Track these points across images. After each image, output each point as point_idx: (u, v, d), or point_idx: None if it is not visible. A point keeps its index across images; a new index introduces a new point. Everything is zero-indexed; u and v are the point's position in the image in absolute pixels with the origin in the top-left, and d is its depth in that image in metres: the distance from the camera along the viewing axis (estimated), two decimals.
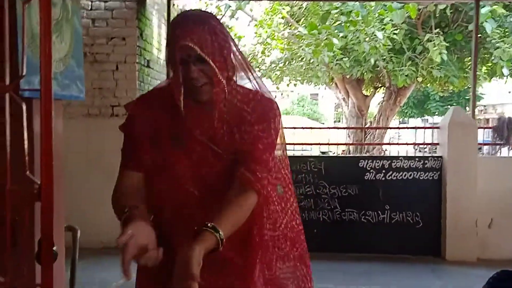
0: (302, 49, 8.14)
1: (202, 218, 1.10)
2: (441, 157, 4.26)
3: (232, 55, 1.20)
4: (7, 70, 1.05)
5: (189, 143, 1.21)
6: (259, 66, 10.08)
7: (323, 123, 23.85)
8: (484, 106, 21.77)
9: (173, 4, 5.59)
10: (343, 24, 7.18)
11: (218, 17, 7.69)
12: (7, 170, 1.05)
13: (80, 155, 4.24)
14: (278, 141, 1.27)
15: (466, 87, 9.58)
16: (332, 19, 7.48)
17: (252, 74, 1.26)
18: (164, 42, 5.22)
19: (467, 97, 14.56)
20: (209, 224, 1.07)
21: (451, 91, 10.84)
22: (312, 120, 18.74)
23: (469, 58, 7.71)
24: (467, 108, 6.54)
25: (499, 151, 5.15)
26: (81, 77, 2.22)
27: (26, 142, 1.23)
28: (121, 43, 4.49)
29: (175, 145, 1.21)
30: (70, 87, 2.12)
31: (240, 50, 1.26)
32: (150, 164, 1.23)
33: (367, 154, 6.82)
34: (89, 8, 4.51)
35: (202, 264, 1.03)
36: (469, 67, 7.92)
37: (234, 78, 1.23)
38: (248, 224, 1.21)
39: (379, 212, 4.20)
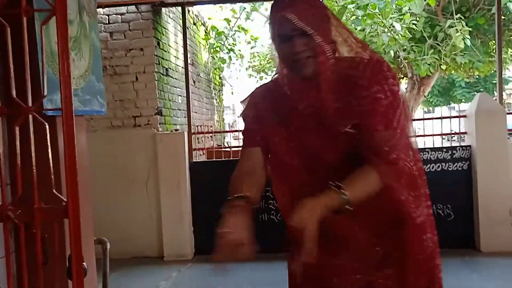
0: None
1: (309, 190, 1.14)
2: (469, 146, 4.15)
3: (333, 28, 1.21)
4: (29, 91, 1.07)
5: (292, 118, 1.24)
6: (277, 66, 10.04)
7: None
8: None
9: (188, 11, 5.64)
10: (360, 18, 7.08)
11: (233, 20, 7.64)
12: (34, 189, 1.07)
13: (106, 166, 4.32)
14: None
15: (492, 72, 9.31)
16: (348, 13, 7.40)
17: (361, 47, 1.24)
18: (181, 50, 5.27)
19: (494, 82, 14.14)
20: (333, 184, 1.11)
21: (477, 76, 10.56)
22: None
23: (494, 41, 7.48)
24: (495, 93, 6.34)
25: None
26: (101, 91, 2.26)
27: (51, 161, 1.25)
28: (139, 54, 4.55)
29: (279, 123, 1.27)
30: (91, 102, 2.16)
31: (340, 25, 1.24)
32: (261, 143, 1.30)
33: None
34: (107, 22, 4.59)
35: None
36: (494, 51, 7.69)
37: (339, 51, 1.23)
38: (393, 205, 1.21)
39: None
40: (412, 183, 1.23)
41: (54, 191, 1.20)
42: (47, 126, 1.13)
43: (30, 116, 1.08)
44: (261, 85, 1.44)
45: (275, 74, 1.35)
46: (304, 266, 1.20)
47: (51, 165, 1.20)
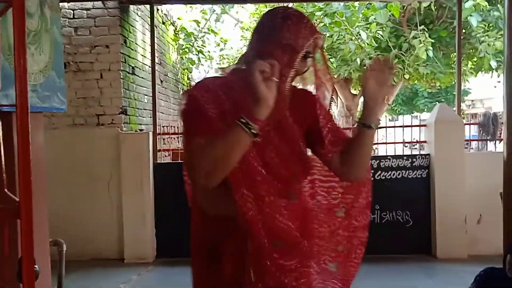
0: None
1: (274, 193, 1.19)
2: (428, 155, 4.28)
3: None
4: None
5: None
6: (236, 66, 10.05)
7: None
8: (472, 100, 21.98)
9: (157, 10, 5.57)
10: (327, 25, 7.20)
11: (203, 21, 7.56)
12: None
13: (66, 165, 4.19)
14: None
15: (453, 83, 9.66)
16: (316, 20, 7.50)
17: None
18: (148, 48, 5.20)
19: (454, 93, 14.68)
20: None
21: (439, 87, 10.93)
22: None
23: (455, 54, 7.77)
24: (454, 104, 6.60)
25: (486, 146, 5.19)
26: (62, 88, 2.19)
27: (3, 159, 1.20)
28: (105, 51, 4.45)
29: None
30: (51, 98, 2.09)
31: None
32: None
33: None
34: (71, 16, 4.47)
35: None
36: (455, 63, 7.98)
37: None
38: None
39: None
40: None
41: (6, 190, 1.15)
42: (0, 122, 1.08)
43: None
44: (219, 77, 1.30)
45: (232, 71, 1.30)
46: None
47: (3, 163, 1.15)
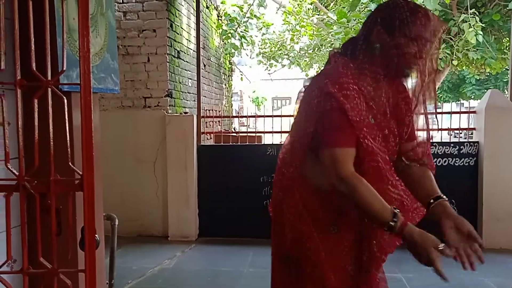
0: (332, 35, 8.02)
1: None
2: (477, 142, 4.14)
3: None
4: (48, 65, 1.09)
5: (384, 121, 1.36)
6: (288, 53, 9.99)
7: None
8: None
9: None
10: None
11: (245, 6, 7.58)
12: (51, 161, 1.10)
13: (115, 145, 4.36)
14: None
15: (504, 69, 9.21)
16: (362, 5, 7.33)
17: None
18: (193, 33, 5.26)
19: (505, 80, 14.00)
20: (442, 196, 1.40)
21: (488, 73, 10.45)
22: None
23: (507, 38, 7.40)
24: (506, 92, 6.27)
25: None
26: (115, 70, 2.27)
27: (68, 134, 1.28)
28: (152, 35, 4.55)
29: (375, 125, 1.34)
30: (105, 80, 2.18)
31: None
32: (364, 144, 1.31)
33: None
34: (121, 1, 4.59)
35: None
36: (507, 48, 7.61)
37: None
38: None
39: None
40: None
41: (70, 164, 1.22)
42: (65, 100, 1.15)
43: (49, 89, 1.10)
44: (346, 69, 1.34)
45: (346, 52, 1.39)
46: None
47: (68, 139, 1.22)
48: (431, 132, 1.42)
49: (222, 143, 4.69)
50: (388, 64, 1.31)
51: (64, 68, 1.18)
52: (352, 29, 7.21)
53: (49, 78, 1.05)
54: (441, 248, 1.16)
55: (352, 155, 1.29)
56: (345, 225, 1.37)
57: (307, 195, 1.38)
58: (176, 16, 4.83)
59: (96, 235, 1.34)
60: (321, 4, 8.93)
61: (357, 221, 1.37)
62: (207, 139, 5.06)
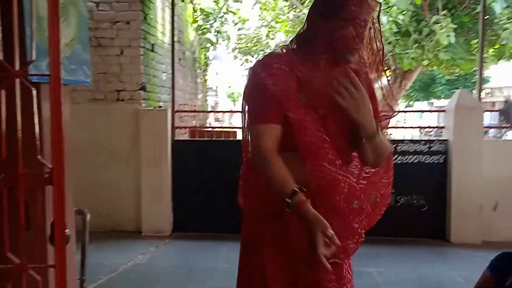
0: None
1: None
2: (446, 140, 4.25)
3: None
4: (16, 55, 1.05)
5: (320, 102, 1.31)
6: (264, 49, 10.00)
7: None
8: (491, 89, 21.56)
9: None
10: None
11: (221, 1, 7.53)
12: (18, 154, 1.06)
13: (86, 139, 4.27)
14: None
15: (472, 70, 9.49)
16: None
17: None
18: (167, 26, 5.20)
19: (473, 80, 14.42)
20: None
21: (458, 74, 10.74)
22: None
23: (476, 40, 7.61)
24: (474, 91, 6.50)
25: (505, 134, 5.13)
26: (87, 61, 2.21)
27: (37, 127, 1.24)
28: (126, 27, 4.47)
29: (306, 104, 1.30)
30: (76, 72, 2.12)
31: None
32: (293, 121, 1.28)
33: None
34: None
35: None
36: (476, 50, 7.83)
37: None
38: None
39: None
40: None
41: (39, 157, 1.19)
42: (34, 92, 1.11)
43: (17, 80, 1.06)
44: (279, 54, 1.36)
45: (291, 45, 1.37)
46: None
47: (37, 131, 1.19)
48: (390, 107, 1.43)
49: (197, 138, 4.66)
50: (328, 49, 1.30)
51: (33, 58, 1.15)
52: None
53: (17, 68, 1.02)
54: (330, 235, 1.15)
55: (273, 131, 1.27)
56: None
57: (256, 179, 1.37)
58: (150, 9, 4.75)
59: (67, 230, 1.31)
60: (297, 0, 8.97)
61: None
62: (182, 134, 5.02)
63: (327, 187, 1.28)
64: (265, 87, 1.27)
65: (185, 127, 4.78)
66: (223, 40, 8.45)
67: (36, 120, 1.25)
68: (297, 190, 1.21)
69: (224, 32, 8.17)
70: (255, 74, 1.32)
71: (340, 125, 1.33)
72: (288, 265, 1.35)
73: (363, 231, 1.39)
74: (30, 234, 1.26)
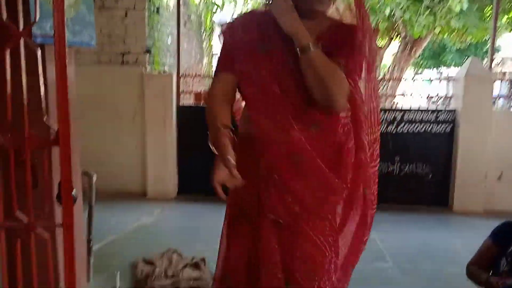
0: None
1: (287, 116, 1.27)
2: (454, 110, 4.21)
3: None
4: (20, 15, 1.04)
5: (276, 51, 1.30)
6: None
7: None
8: (502, 58, 21.13)
9: None
10: None
11: None
12: (24, 115, 1.07)
13: (91, 102, 4.26)
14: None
15: (484, 39, 9.27)
16: None
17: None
18: None
19: (484, 49, 14.13)
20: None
21: (469, 42, 10.51)
22: None
23: (490, 7, 7.40)
24: (485, 59, 6.35)
25: None
26: (91, 23, 2.19)
27: (42, 88, 1.24)
28: None
29: (265, 54, 1.30)
30: (81, 33, 2.10)
31: None
32: (240, 71, 1.31)
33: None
34: None
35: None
36: (489, 17, 7.63)
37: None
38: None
39: (388, 163, 4.23)
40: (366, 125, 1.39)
41: (45, 118, 1.19)
42: (38, 52, 1.10)
43: (21, 41, 1.05)
44: (250, 12, 1.43)
45: (268, 2, 1.36)
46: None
47: (43, 93, 1.19)
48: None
49: (202, 103, 4.65)
50: (296, 4, 1.28)
51: (37, 19, 1.13)
52: None
53: (21, 29, 1.00)
54: (227, 162, 1.17)
55: (222, 78, 1.33)
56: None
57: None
58: None
59: (74, 190, 1.33)
60: None
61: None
62: (187, 98, 5.00)
63: (263, 140, 1.30)
64: (223, 40, 1.35)
65: (190, 92, 4.75)
66: (230, 3, 8.26)
67: (41, 81, 1.24)
68: (220, 127, 1.23)
69: None
70: (221, 32, 1.38)
71: (297, 79, 1.28)
72: (239, 225, 1.41)
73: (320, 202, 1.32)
74: (37, 194, 1.29)
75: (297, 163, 1.29)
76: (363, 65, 1.32)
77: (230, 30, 1.35)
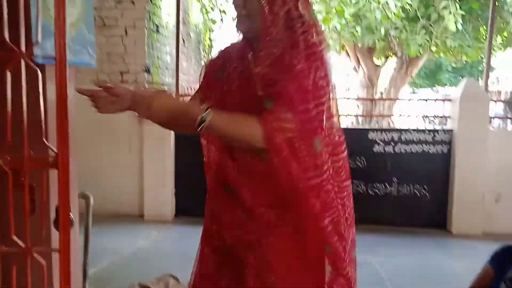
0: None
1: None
2: (451, 130, 4.22)
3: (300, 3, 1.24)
4: (22, 35, 1.03)
5: (228, 77, 1.35)
6: None
7: None
8: (497, 77, 21.37)
9: None
10: None
11: None
12: (24, 137, 1.05)
13: (90, 122, 4.22)
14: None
15: (479, 58, 9.39)
16: None
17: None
18: (173, 7, 5.12)
19: (479, 68, 14.30)
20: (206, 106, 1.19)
21: (464, 61, 10.64)
22: None
23: (485, 27, 7.51)
24: (480, 80, 6.41)
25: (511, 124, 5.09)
26: (92, 42, 2.18)
27: (42, 109, 1.22)
28: (130, 7, 4.41)
29: (221, 80, 1.36)
30: (81, 53, 2.09)
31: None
32: (202, 96, 1.41)
33: (376, 126, 6.77)
34: None
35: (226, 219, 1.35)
36: (484, 37, 7.73)
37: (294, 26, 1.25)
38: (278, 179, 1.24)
39: (386, 184, 4.22)
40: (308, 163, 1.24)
41: (45, 140, 1.17)
42: (39, 73, 1.09)
43: (22, 61, 1.04)
44: (231, 43, 1.47)
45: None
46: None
47: (42, 113, 1.17)
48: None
49: None
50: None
51: (39, 39, 1.12)
52: (333, 8, 7.18)
53: (23, 49, 1.00)
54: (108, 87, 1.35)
55: (195, 96, 1.46)
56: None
57: None
58: None
59: (71, 214, 1.31)
60: None
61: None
62: None
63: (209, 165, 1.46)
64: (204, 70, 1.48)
65: None
66: (227, 20, 8.33)
67: (41, 103, 1.23)
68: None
69: (229, 12, 8.05)
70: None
71: (238, 99, 1.29)
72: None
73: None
74: (35, 218, 1.26)
75: (226, 190, 1.36)
76: (299, 92, 1.19)
77: (209, 61, 1.48)
